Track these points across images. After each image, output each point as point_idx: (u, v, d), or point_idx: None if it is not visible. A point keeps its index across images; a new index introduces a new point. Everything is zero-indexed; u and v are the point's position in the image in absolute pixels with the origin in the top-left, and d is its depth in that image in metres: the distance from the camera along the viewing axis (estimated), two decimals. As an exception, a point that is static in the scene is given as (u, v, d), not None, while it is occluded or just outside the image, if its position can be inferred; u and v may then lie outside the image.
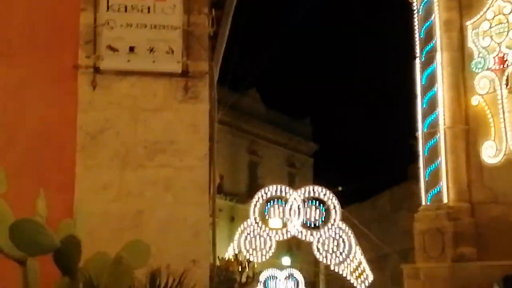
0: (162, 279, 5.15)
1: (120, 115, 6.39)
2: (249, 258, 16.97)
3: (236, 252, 18.92)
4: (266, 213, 20.70)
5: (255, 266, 17.86)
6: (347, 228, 20.43)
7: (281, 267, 27.26)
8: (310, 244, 21.13)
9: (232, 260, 15.20)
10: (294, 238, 22.80)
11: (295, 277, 26.26)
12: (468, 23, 19.84)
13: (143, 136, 6.38)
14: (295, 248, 33.90)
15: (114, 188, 6.44)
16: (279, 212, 20.52)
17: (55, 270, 4.22)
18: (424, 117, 19.83)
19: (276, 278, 25.19)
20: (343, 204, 21.15)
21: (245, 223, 20.98)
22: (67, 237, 3.74)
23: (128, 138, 6.38)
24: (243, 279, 14.92)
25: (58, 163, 6.24)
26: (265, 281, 24.51)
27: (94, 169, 6.42)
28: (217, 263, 11.05)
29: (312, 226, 20.89)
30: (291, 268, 27.77)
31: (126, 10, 6.39)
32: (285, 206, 20.43)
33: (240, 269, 15.02)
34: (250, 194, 27.86)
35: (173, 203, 6.47)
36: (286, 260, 31.33)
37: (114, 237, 6.02)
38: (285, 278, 25.82)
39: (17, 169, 5.89)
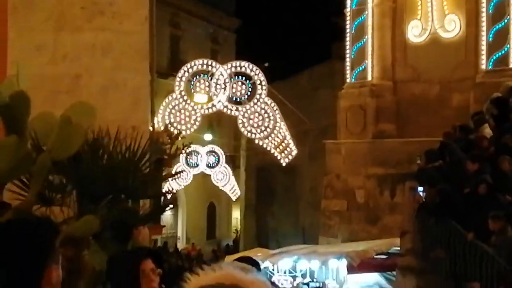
0: (107, 143, 5.04)
1: (55, -27, 6.02)
2: (180, 131, 16.87)
3: (161, 125, 18.85)
4: (191, 87, 20.48)
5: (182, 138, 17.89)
6: (272, 103, 20.53)
7: (203, 143, 27.50)
8: (231, 120, 21.20)
9: (162, 131, 15.15)
10: (214, 114, 22.81)
11: (216, 152, 26.63)
12: None
13: (80, -5, 6.06)
14: (215, 124, 34.09)
15: (48, 51, 6.16)
16: (205, 87, 20.34)
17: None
18: (353, -7, 19.73)
19: (198, 153, 25.45)
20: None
21: (169, 96, 20.73)
22: (17, 93, 3.56)
23: (64, -2, 6.05)
24: (173, 151, 14.94)
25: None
26: (186, 156, 24.71)
27: (27, 31, 6.10)
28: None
29: (237, 101, 20.89)
30: (212, 144, 28.10)
31: None
32: (211, 80, 20.24)
33: (169, 141, 14.99)
34: (172, 69, 27.49)
35: (112, 68, 6.26)
36: (207, 136, 31.52)
37: (50, 100, 5.82)
38: (207, 153, 26.15)
39: None
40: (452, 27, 18.57)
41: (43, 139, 4.18)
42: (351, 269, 14.09)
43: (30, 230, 2.20)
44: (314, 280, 15.28)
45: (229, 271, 1.70)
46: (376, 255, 14.29)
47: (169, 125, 18.51)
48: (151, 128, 10.39)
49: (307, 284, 15.34)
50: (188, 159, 24.88)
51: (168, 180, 8.32)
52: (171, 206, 8.20)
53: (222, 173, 27.56)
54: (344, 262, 14.26)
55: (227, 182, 28.28)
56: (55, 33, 6.12)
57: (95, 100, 5.87)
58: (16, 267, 2.13)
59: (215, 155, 26.66)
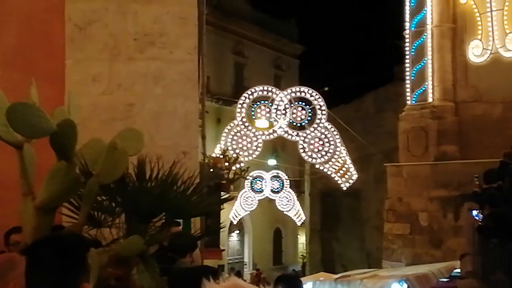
0: (153, 169, 5.23)
1: (108, 7, 6.33)
2: (237, 155, 17.05)
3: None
4: (252, 114, 20.72)
5: (242, 164, 18.13)
6: (332, 128, 20.57)
7: (267, 169, 27.67)
8: (295, 145, 21.29)
9: (220, 157, 15.41)
10: (279, 139, 22.98)
11: (280, 178, 26.74)
12: None
13: (132, 28, 6.35)
14: (280, 149, 34.24)
15: (104, 81, 6.45)
16: (266, 113, 20.55)
17: (50, 156, 4.26)
18: (412, 15, 19.66)
19: (262, 179, 25.65)
20: (328, 105, 21.17)
21: (231, 123, 21.02)
22: (64, 121, 3.79)
23: (117, 30, 6.35)
24: (231, 176, 15.20)
25: (47, 54, 6.22)
26: (251, 182, 24.96)
27: (84, 61, 6.40)
28: (206, 160, 11.21)
29: (298, 126, 21.01)
30: (277, 169, 28.24)
31: None
32: (271, 106, 20.44)
33: (228, 166, 15.26)
34: (236, 96, 27.84)
35: (163, 95, 6.50)
36: (271, 161, 31.70)
37: (104, 128, 6.07)
38: (271, 179, 26.29)
39: (6, 59, 5.87)
40: (513, 46, 18.32)
41: (92, 165, 4.38)
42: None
43: (62, 246, 2.34)
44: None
45: (236, 281, 1.88)
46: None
47: (228, 151, 18.77)
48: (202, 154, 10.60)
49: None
50: (253, 185, 25.15)
51: (223, 203, 8.49)
52: (220, 228, 8.42)
53: (286, 198, 27.63)
54: (404, 287, 14.08)
55: (292, 207, 28.33)
56: (110, 63, 6.42)
57: (146, 127, 6.13)
58: (52, 282, 2.25)
59: (279, 180, 26.79)
